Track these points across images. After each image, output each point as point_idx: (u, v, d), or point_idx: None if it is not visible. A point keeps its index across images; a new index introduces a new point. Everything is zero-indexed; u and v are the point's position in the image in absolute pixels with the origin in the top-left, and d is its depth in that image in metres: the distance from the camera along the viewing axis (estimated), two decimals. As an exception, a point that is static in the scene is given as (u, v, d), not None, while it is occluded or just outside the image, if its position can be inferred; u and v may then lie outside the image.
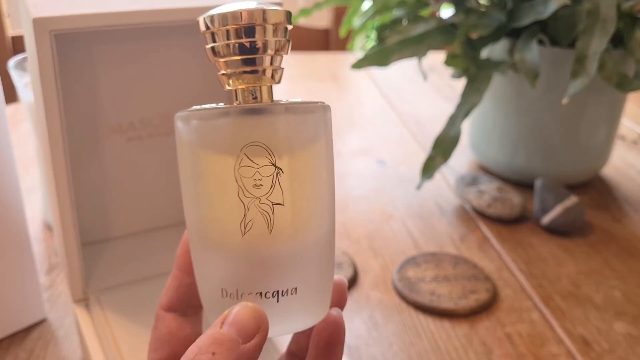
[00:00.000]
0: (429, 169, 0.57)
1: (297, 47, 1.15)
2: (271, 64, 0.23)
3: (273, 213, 0.22)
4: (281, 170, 0.22)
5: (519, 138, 0.62)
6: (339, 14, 1.17)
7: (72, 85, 0.39)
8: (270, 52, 0.23)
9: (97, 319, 0.37)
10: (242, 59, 0.23)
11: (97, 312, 0.38)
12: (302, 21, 0.87)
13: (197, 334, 0.27)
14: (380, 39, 0.60)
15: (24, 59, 0.50)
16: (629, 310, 0.47)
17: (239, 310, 0.22)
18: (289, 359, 0.28)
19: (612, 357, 0.43)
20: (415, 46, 0.57)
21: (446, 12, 0.59)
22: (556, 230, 0.57)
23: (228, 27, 0.22)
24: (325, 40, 1.23)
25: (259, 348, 0.21)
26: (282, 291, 0.23)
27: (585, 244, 0.56)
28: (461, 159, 0.70)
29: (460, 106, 0.56)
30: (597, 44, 0.49)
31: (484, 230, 0.58)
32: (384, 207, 0.61)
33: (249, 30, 0.22)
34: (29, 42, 0.33)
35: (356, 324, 0.45)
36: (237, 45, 0.22)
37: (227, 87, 0.24)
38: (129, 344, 0.36)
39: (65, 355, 0.41)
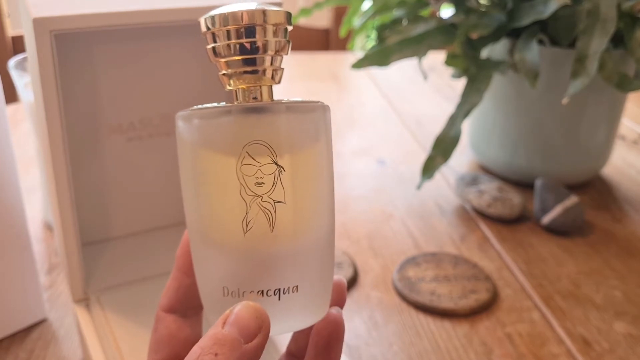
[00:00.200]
0: (429, 168, 0.57)
1: (297, 47, 1.15)
2: (271, 64, 0.23)
3: (275, 211, 0.22)
4: (283, 168, 0.22)
5: (519, 138, 0.62)
6: (339, 14, 1.17)
7: (72, 85, 0.39)
8: (270, 52, 0.23)
9: (98, 319, 0.37)
10: (242, 59, 0.23)
11: (97, 312, 0.38)
12: (302, 21, 0.87)
13: (197, 335, 0.27)
14: (381, 38, 0.60)
15: (24, 59, 0.50)
16: (629, 310, 0.47)
17: (240, 310, 0.22)
18: (289, 359, 0.28)
19: (612, 357, 0.43)
20: (415, 46, 0.57)
21: (446, 12, 0.59)
22: (556, 230, 0.57)
23: (229, 27, 0.22)
24: (326, 40, 1.23)
25: (261, 347, 0.22)
26: (284, 289, 0.23)
27: (586, 244, 0.56)
28: (461, 159, 0.70)
29: (460, 106, 0.56)
30: (597, 43, 0.49)
31: (484, 230, 0.58)
32: (384, 207, 0.61)
33: (250, 31, 0.22)
34: (29, 42, 0.34)
35: (356, 323, 0.45)
36: (237, 45, 0.22)
37: (228, 88, 0.24)
38: (129, 344, 0.36)
39: (66, 355, 0.41)
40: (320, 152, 0.23)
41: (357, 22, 0.69)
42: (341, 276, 0.27)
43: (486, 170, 0.68)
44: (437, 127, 0.64)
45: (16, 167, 0.39)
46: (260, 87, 0.23)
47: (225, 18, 0.22)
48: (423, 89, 0.95)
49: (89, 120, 0.41)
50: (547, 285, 0.50)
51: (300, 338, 0.27)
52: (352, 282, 0.49)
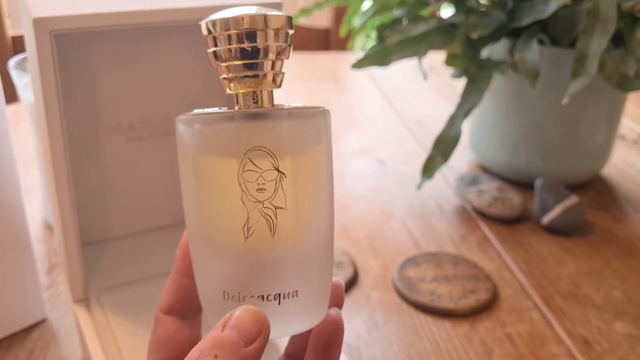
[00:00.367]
0: (429, 168, 0.57)
1: (297, 47, 1.15)
2: (272, 68, 0.23)
3: (276, 217, 0.22)
4: (284, 174, 0.22)
5: (519, 138, 0.62)
6: (339, 14, 1.17)
7: (72, 85, 0.39)
8: (271, 56, 0.23)
9: (98, 319, 0.37)
10: (243, 64, 0.23)
11: (97, 312, 0.38)
12: (303, 21, 0.87)
13: (196, 337, 0.27)
14: (381, 38, 0.60)
15: (24, 59, 0.50)
16: (629, 310, 0.47)
17: (241, 314, 0.22)
18: (287, 361, 0.28)
19: (612, 357, 0.43)
20: (415, 46, 0.57)
21: (446, 12, 0.59)
22: (556, 230, 0.57)
23: (230, 31, 0.22)
24: (326, 40, 1.23)
25: (260, 351, 0.22)
26: (284, 294, 0.23)
27: (585, 244, 0.56)
28: (461, 159, 0.70)
29: (460, 106, 0.56)
30: (597, 43, 0.49)
31: (484, 230, 0.58)
32: (384, 207, 0.61)
33: (251, 35, 0.22)
34: (29, 42, 0.33)
35: (356, 323, 0.45)
36: (238, 49, 0.22)
37: (228, 91, 0.24)
38: (129, 344, 0.36)
39: (66, 355, 0.41)
40: (320, 157, 0.23)
41: (357, 22, 0.69)
42: (339, 278, 0.27)
43: (486, 170, 0.68)
44: (437, 127, 0.64)
45: (16, 167, 0.39)
46: (261, 91, 0.23)
47: (227, 22, 0.22)
48: (423, 89, 0.95)
49: (89, 120, 0.41)
50: (547, 285, 0.50)
51: (298, 340, 0.27)
52: (352, 282, 0.49)
